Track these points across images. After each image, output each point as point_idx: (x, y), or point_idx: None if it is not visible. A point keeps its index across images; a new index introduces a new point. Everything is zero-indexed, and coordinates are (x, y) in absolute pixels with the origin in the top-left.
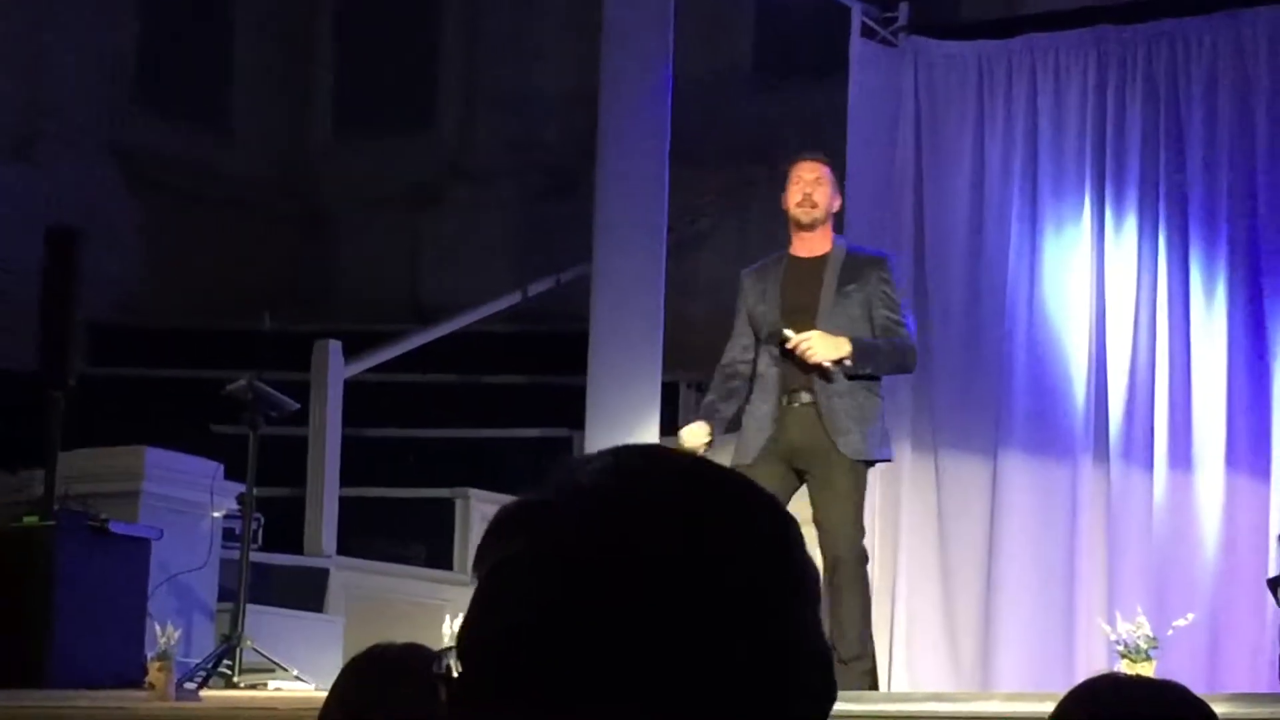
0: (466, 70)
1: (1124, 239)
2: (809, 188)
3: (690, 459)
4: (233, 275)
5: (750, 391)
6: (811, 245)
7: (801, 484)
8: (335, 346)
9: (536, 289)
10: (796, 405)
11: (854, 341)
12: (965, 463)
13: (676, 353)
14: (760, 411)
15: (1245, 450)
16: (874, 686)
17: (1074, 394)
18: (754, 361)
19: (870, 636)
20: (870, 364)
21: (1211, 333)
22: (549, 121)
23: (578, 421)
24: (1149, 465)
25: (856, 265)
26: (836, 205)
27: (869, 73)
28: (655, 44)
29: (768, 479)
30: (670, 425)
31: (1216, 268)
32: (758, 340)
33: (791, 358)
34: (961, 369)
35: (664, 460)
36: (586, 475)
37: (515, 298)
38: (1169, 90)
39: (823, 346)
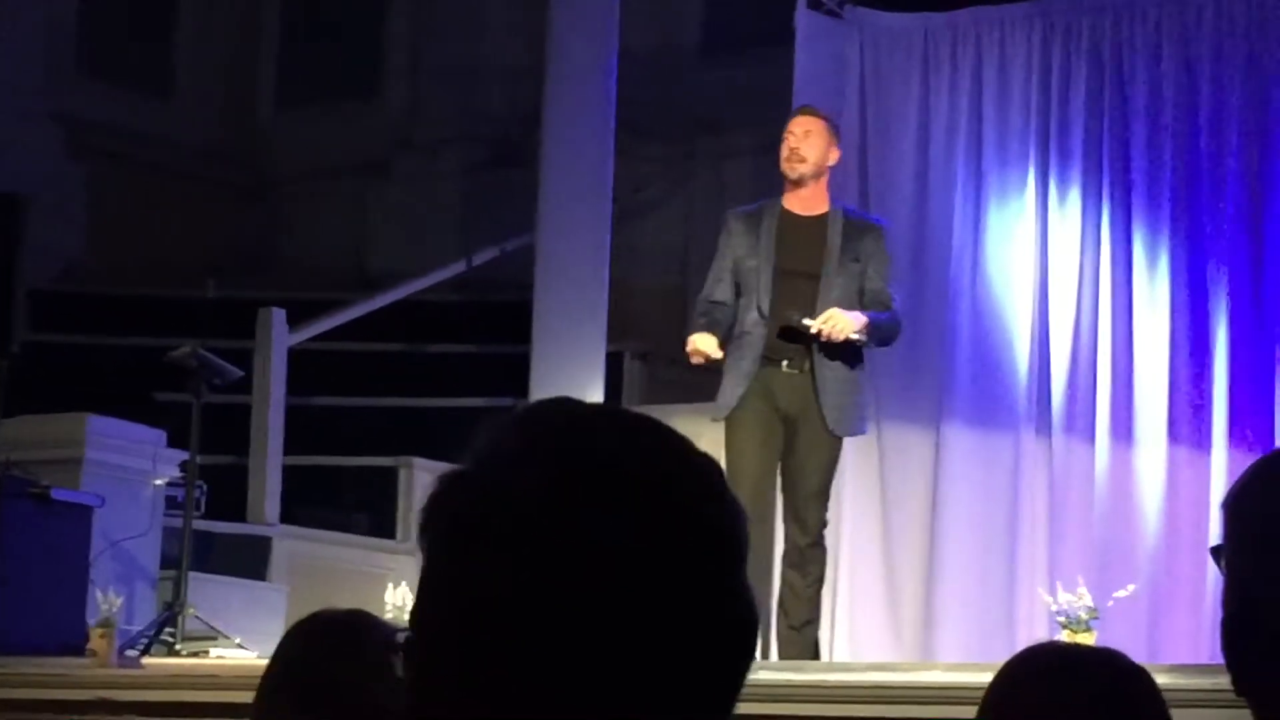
0: (412, 41)
1: (1067, 212)
2: (797, 142)
3: (621, 414)
4: (177, 242)
5: (728, 339)
6: (807, 202)
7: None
8: (279, 314)
9: (481, 258)
10: (787, 371)
11: (868, 316)
12: (908, 434)
13: (620, 322)
14: (740, 369)
15: (1186, 422)
16: (815, 655)
17: (1016, 366)
18: (736, 312)
19: (820, 603)
20: (875, 338)
21: (1154, 305)
22: (494, 92)
23: (522, 390)
24: (1091, 437)
25: (856, 232)
26: (833, 159)
27: (815, 44)
28: (602, 14)
29: (749, 427)
30: (614, 395)
31: (1159, 240)
32: (738, 288)
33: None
34: (904, 340)
35: (600, 418)
36: (521, 437)
37: (460, 267)
38: (1113, 63)
39: (845, 323)
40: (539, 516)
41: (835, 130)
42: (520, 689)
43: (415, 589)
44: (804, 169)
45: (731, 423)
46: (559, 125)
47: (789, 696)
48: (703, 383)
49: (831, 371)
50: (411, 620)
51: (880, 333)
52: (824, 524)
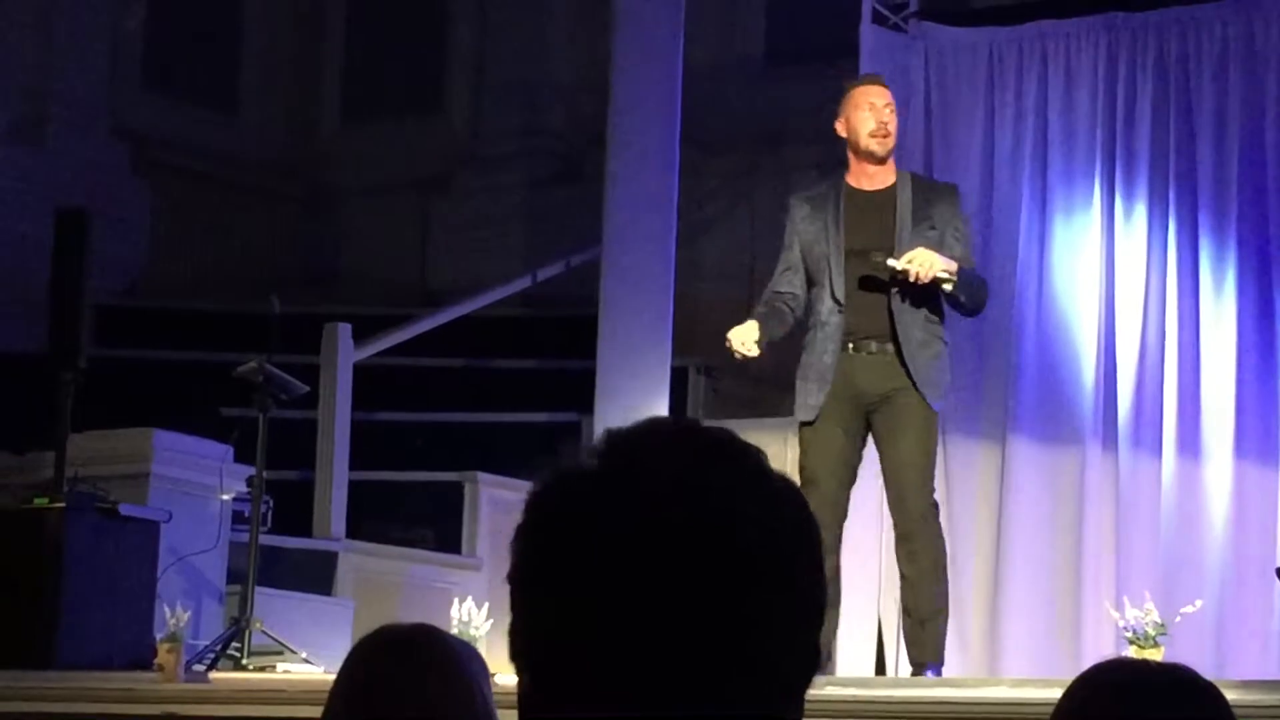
0: (476, 56)
1: (1134, 226)
2: (883, 115)
3: (699, 434)
4: (242, 258)
5: (796, 331)
6: (875, 177)
7: (868, 433)
8: (345, 329)
9: (546, 273)
10: (866, 353)
11: (960, 264)
12: (974, 449)
13: (685, 337)
14: (821, 364)
15: (1254, 437)
16: (939, 652)
17: (1083, 381)
18: (808, 303)
19: (946, 592)
20: (964, 291)
21: (1221, 319)
22: (557, 107)
23: (587, 406)
24: (1158, 452)
25: (928, 197)
26: None
27: (879, 59)
28: (666, 28)
29: (832, 438)
30: (679, 410)
31: (1226, 254)
32: (809, 278)
33: (859, 305)
34: (970, 355)
35: (669, 436)
36: (599, 454)
37: (525, 282)
38: (1179, 77)
39: (932, 259)
40: (605, 540)
41: None
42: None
43: (481, 603)
44: (891, 144)
45: (810, 429)
46: (623, 140)
47: (855, 712)
48: (769, 397)
49: (919, 348)
50: (511, 648)
51: (970, 287)
52: (934, 506)
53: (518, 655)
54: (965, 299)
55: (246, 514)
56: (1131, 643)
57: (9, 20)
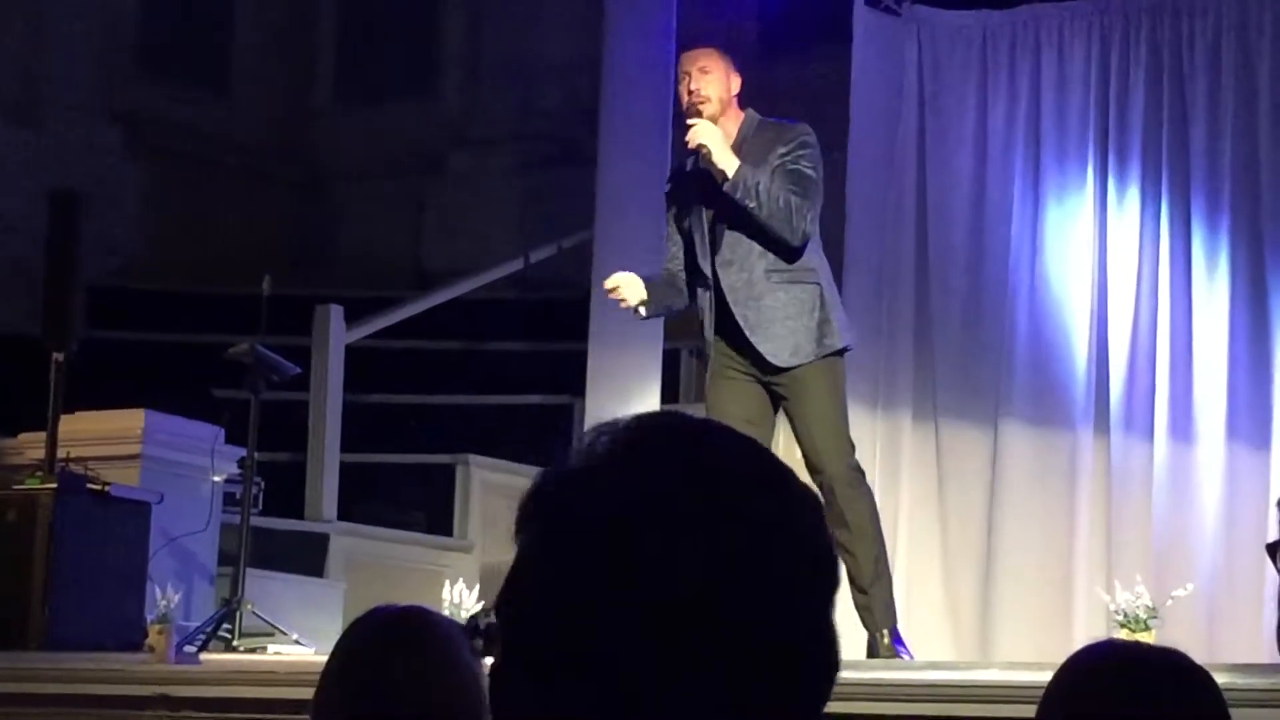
0: (469, 37)
1: (1126, 210)
2: (695, 82)
3: (703, 428)
4: (234, 239)
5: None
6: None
7: (778, 407)
8: (337, 311)
9: (538, 255)
10: (726, 331)
11: (740, 164)
12: (966, 433)
13: (677, 320)
14: (707, 341)
15: (1245, 421)
16: (891, 616)
17: (1075, 364)
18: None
19: (885, 557)
20: (748, 196)
21: (1213, 303)
22: (551, 89)
23: (579, 388)
24: (1149, 435)
25: (760, 146)
26: (736, 85)
27: (873, 42)
28: (659, 11)
29: (718, 392)
30: (670, 393)
31: (1219, 239)
32: (693, 257)
33: (720, 276)
34: (963, 339)
35: (679, 432)
36: (604, 447)
37: (517, 264)
38: (1172, 60)
39: (706, 131)
40: (661, 520)
41: (728, 55)
42: (604, 692)
43: (472, 585)
44: (712, 109)
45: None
46: (616, 122)
47: (844, 695)
48: None
49: (755, 301)
50: (498, 610)
51: (748, 186)
52: (853, 469)
53: (511, 645)
54: (748, 199)
55: (238, 495)
56: (1123, 626)
57: (2, 3)
